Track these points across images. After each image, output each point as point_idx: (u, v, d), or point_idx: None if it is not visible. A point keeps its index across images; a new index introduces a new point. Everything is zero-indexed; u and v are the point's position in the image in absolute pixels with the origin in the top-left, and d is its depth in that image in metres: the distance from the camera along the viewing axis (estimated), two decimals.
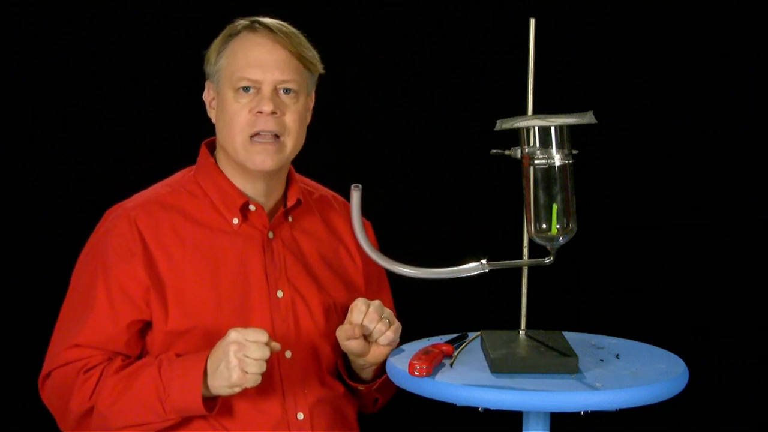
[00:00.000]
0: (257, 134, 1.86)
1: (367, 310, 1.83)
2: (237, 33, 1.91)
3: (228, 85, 1.88)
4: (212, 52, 1.93)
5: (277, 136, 1.87)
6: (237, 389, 1.72)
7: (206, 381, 1.74)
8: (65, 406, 1.81)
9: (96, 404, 1.77)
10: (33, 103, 2.77)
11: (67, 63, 2.77)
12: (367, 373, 1.94)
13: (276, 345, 1.73)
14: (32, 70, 2.76)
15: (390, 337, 1.83)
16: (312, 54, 1.93)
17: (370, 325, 1.82)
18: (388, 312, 1.86)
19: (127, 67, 2.80)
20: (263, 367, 1.70)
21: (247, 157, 1.87)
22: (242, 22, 1.92)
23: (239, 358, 1.69)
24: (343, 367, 1.96)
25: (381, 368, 1.92)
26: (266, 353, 1.70)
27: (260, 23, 1.90)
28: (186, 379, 1.74)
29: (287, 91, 1.89)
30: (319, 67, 1.95)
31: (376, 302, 1.85)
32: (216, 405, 1.77)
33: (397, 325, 1.86)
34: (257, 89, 1.87)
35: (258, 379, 1.71)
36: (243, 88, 1.87)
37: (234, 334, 1.71)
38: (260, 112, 1.86)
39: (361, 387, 1.94)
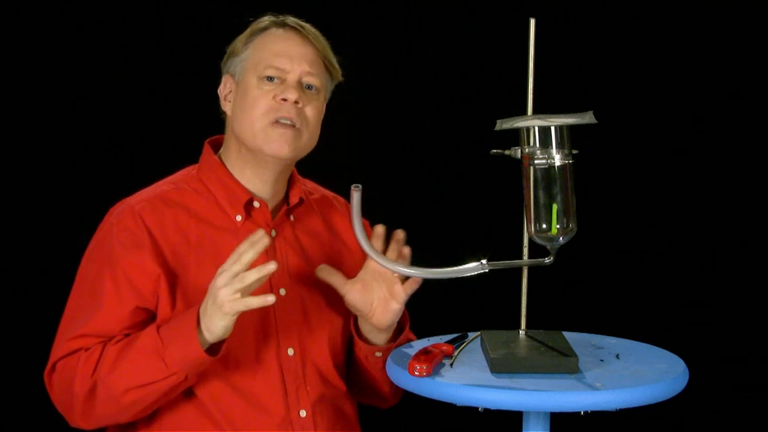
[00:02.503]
0: (277, 121, 1.87)
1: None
2: (265, 28, 1.93)
3: (253, 73, 1.90)
4: (238, 43, 1.94)
5: (294, 126, 1.88)
6: (228, 318, 1.70)
7: (201, 327, 1.72)
8: (71, 393, 1.79)
9: (98, 376, 1.76)
10: (35, 102, 2.78)
11: (69, 62, 2.77)
12: (378, 339, 1.95)
13: (251, 255, 1.70)
14: (34, 70, 2.76)
15: (404, 291, 1.87)
16: (334, 59, 1.96)
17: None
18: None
19: (129, 67, 2.81)
20: (240, 283, 1.69)
21: (265, 140, 1.87)
22: (270, 18, 1.94)
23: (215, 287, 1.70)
24: (355, 331, 1.96)
25: (394, 336, 1.94)
26: (230, 277, 1.69)
27: (290, 20, 1.94)
28: (181, 330, 1.74)
29: (309, 87, 1.91)
30: (339, 74, 1.98)
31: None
32: (218, 351, 1.76)
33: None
34: (282, 80, 1.89)
35: (234, 302, 1.69)
36: (268, 77, 1.89)
37: (218, 271, 1.72)
38: (284, 100, 1.87)
39: (379, 354, 1.94)
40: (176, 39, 2.81)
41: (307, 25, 1.95)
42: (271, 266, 1.69)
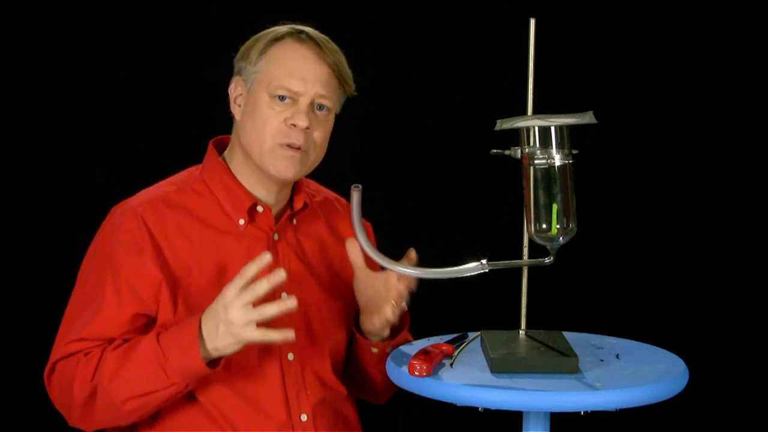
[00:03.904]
0: (287, 145, 1.86)
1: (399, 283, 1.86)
2: (280, 38, 1.89)
3: (264, 89, 1.86)
4: (253, 51, 1.89)
5: (301, 149, 1.87)
6: (241, 344, 1.72)
7: (206, 344, 1.72)
8: (70, 396, 1.79)
9: (98, 382, 1.76)
10: (35, 102, 2.78)
11: (69, 62, 2.77)
12: (373, 337, 1.95)
13: (273, 279, 1.71)
14: (34, 70, 2.76)
15: (392, 315, 1.87)
16: (349, 74, 1.93)
17: (395, 286, 1.85)
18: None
19: (129, 67, 2.81)
20: (257, 315, 1.69)
21: (271, 162, 1.86)
22: (286, 28, 1.91)
23: (240, 315, 1.69)
24: (354, 325, 1.97)
25: (391, 335, 1.94)
26: (243, 305, 1.69)
27: (307, 34, 1.89)
28: (182, 341, 1.73)
29: (321, 107, 1.89)
30: (353, 89, 1.95)
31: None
32: (218, 363, 1.76)
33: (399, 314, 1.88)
34: (294, 100, 1.86)
35: (252, 332, 1.70)
36: (279, 96, 1.86)
37: (229, 294, 1.70)
38: (294, 125, 1.85)
39: (374, 349, 1.94)
40: (176, 39, 2.81)
41: (325, 39, 1.91)
42: (281, 274, 1.70)
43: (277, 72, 1.86)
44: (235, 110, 1.93)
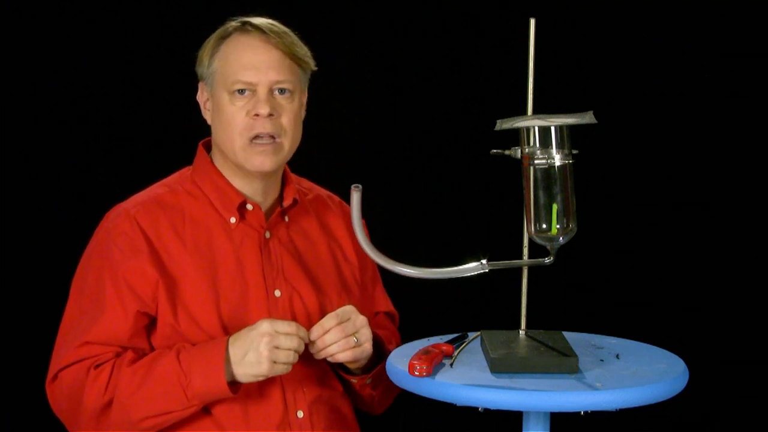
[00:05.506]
0: (256, 137, 1.87)
1: (330, 328, 1.82)
2: (228, 35, 1.91)
3: (222, 87, 1.89)
4: (204, 54, 1.93)
5: (273, 137, 1.88)
6: (261, 378, 1.76)
7: (228, 367, 1.75)
8: (77, 405, 1.79)
9: (115, 396, 1.76)
10: (35, 102, 2.78)
11: (69, 62, 2.77)
12: (356, 369, 1.94)
13: (305, 335, 1.78)
14: (34, 70, 2.76)
15: (348, 356, 1.83)
16: (304, 52, 1.93)
17: (327, 340, 1.82)
18: (364, 332, 1.85)
19: (129, 67, 2.81)
20: (294, 358, 1.75)
21: (246, 159, 1.88)
22: (233, 23, 1.92)
23: (270, 349, 1.73)
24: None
25: (373, 364, 1.92)
26: (296, 343, 1.75)
27: (251, 24, 1.90)
28: (207, 365, 1.74)
29: (282, 91, 1.89)
30: (312, 64, 1.95)
31: (348, 323, 1.84)
32: (239, 388, 1.78)
33: (362, 348, 1.85)
34: (252, 91, 1.87)
35: (287, 369, 1.76)
36: (238, 90, 1.87)
37: (265, 326, 1.74)
38: (257, 115, 1.86)
39: (353, 380, 1.94)
40: (176, 39, 2.80)
41: (269, 24, 1.91)
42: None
43: (229, 68, 1.88)
44: (206, 115, 1.95)
